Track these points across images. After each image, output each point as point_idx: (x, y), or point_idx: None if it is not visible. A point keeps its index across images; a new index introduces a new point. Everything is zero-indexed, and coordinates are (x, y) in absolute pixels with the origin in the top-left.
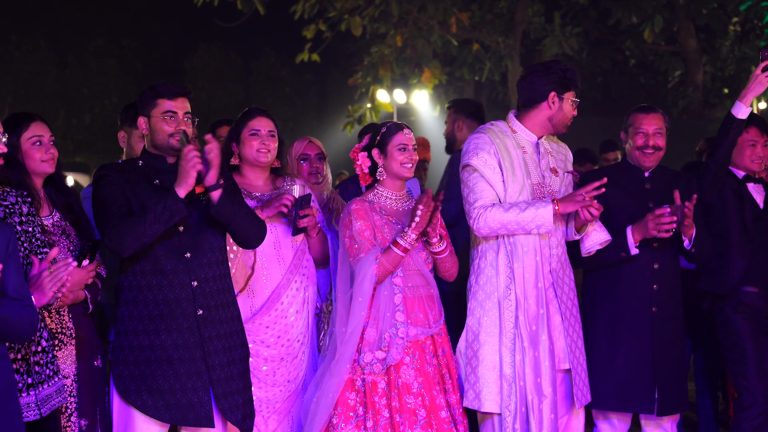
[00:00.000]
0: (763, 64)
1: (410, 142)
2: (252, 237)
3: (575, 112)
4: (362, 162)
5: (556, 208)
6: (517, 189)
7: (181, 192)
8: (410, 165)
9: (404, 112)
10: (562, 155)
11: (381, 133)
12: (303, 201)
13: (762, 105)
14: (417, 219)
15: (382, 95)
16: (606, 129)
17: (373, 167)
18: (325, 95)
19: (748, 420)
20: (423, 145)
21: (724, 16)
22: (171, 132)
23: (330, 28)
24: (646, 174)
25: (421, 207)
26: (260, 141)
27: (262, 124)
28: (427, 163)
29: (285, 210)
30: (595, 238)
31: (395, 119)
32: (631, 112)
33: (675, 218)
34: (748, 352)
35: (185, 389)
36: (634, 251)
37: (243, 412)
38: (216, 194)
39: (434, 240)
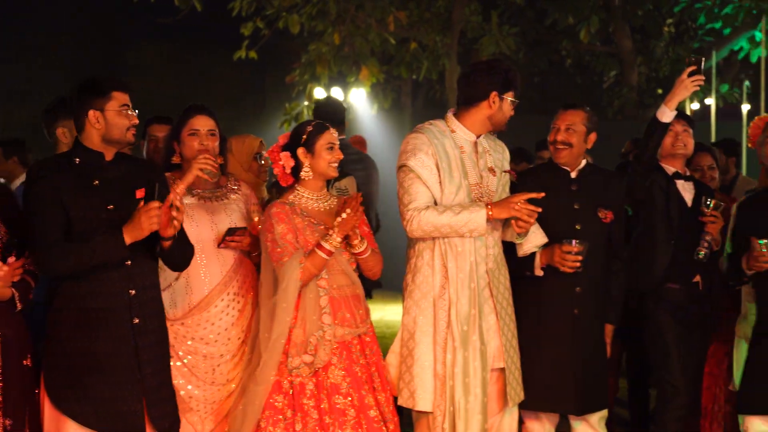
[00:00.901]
0: (689, 70)
1: (336, 141)
2: (182, 264)
3: (513, 112)
4: (285, 162)
5: (490, 213)
6: (453, 190)
7: (128, 240)
8: (336, 164)
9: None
10: (500, 154)
11: (308, 132)
12: (233, 231)
13: (695, 106)
14: (342, 222)
15: (319, 93)
16: (542, 128)
17: (297, 167)
18: (264, 93)
19: (671, 413)
20: (360, 143)
21: (659, 17)
22: (128, 126)
23: (268, 26)
24: (573, 175)
25: (347, 210)
26: (199, 141)
27: (202, 123)
28: None
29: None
30: (533, 240)
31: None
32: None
33: (580, 258)
34: (670, 346)
35: (117, 398)
36: (539, 273)
37: (170, 421)
38: (167, 243)
39: (355, 242)
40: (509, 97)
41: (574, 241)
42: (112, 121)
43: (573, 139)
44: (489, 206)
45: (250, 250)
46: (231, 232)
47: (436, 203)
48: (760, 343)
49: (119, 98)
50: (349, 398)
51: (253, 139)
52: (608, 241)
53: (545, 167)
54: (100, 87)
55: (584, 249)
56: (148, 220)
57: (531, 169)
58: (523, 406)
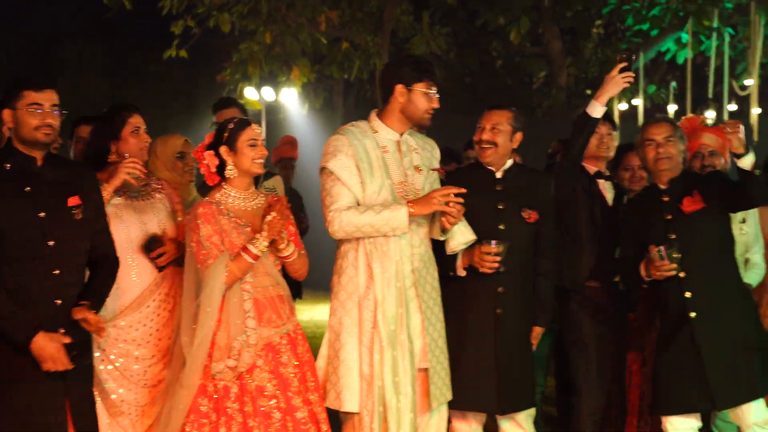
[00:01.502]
0: (619, 66)
1: (259, 137)
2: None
3: (434, 104)
4: (209, 161)
5: (411, 210)
6: (376, 189)
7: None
8: (261, 161)
9: (273, 109)
10: (429, 152)
11: (229, 130)
12: (151, 243)
13: (623, 106)
14: (269, 226)
15: (250, 93)
16: (472, 128)
17: (222, 166)
18: (194, 92)
19: (589, 413)
20: (291, 143)
21: (587, 19)
22: (36, 125)
23: (198, 24)
24: (498, 175)
25: (273, 214)
26: (141, 139)
27: (141, 121)
28: (294, 161)
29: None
30: (460, 238)
31: (263, 117)
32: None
33: (499, 258)
34: (589, 346)
35: (41, 409)
36: (461, 273)
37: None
38: None
39: (281, 246)
40: (421, 88)
41: (493, 242)
42: (21, 120)
43: (498, 138)
44: (410, 204)
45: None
46: (148, 248)
47: (359, 204)
48: (667, 347)
49: (30, 97)
50: (275, 400)
51: (176, 138)
52: (533, 241)
53: (471, 167)
54: (14, 85)
55: (504, 249)
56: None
57: (457, 169)
58: (450, 406)
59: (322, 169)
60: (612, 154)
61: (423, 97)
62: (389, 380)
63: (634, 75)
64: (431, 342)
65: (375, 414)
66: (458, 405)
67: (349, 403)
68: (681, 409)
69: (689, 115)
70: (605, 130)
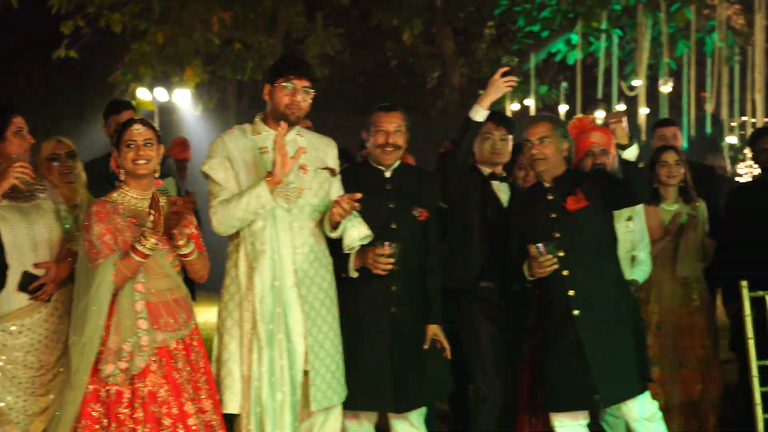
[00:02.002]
0: (501, 70)
1: (140, 137)
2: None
3: (295, 98)
4: (114, 160)
5: (268, 179)
6: None
7: None
8: (142, 162)
9: (166, 110)
10: (322, 151)
11: (119, 130)
12: (26, 282)
13: (515, 106)
14: (150, 224)
15: (143, 93)
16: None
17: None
18: (85, 93)
19: (486, 413)
20: (182, 144)
21: (480, 20)
22: None
23: (89, 24)
24: (388, 174)
25: (152, 212)
26: (24, 140)
27: (23, 122)
28: (186, 162)
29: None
30: (354, 234)
31: (157, 118)
32: (373, 111)
33: (392, 260)
34: (484, 346)
35: None
36: (353, 274)
37: None
38: None
39: (180, 242)
40: (280, 83)
41: (386, 243)
42: None
43: (400, 140)
44: (269, 176)
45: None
46: (24, 287)
47: None
48: (553, 345)
49: None
50: (166, 406)
51: (47, 142)
52: (424, 238)
53: (360, 167)
54: None
55: (396, 250)
56: None
57: (347, 169)
58: (345, 406)
59: (202, 172)
60: (506, 158)
61: (282, 92)
62: (266, 380)
63: (516, 79)
64: (314, 344)
65: (252, 415)
66: (354, 405)
67: (231, 404)
68: (567, 406)
69: (579, 115)
70: (498, 135)
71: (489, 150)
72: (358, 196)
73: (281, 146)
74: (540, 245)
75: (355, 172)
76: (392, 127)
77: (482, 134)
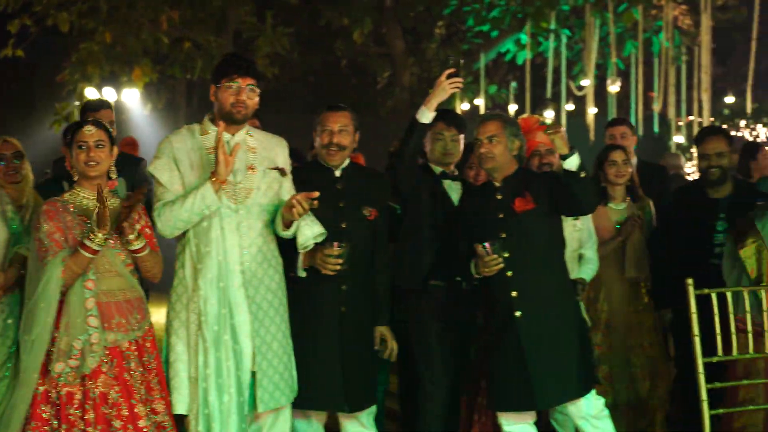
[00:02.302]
0: (447, 72)
1: (91, 139)
2: None
3: (240, 97)
4: (68, 161)
5: (213, 180)
6: None
7: None
8: (93, 163)
9: (115, 110)
10: (272, 151)
11: (71, 131)
12: None
13: (465, 106)
14: (95, 217)
15: (91, 93)
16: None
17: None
18: (33, 93)
19: (432, 411)
20: (130, 144)
21: (429, 19)
22: None
23: (36, 23)
24: (338, 174)
25: (98, 205)
26: None
27: None
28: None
29: None
30: (308, 232)
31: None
32: (320, 111)
33: (341, 261)
34: (432, 344)
35: None
36: (302, 274)
37: None
38: None
39: (130, 237)
40: (224, 83)
41: (335, 244)
42: None
43: (346, 140)
44: (214, 176)
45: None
46: None
47: None
48: (496, 346)
49: None
50: (116, 408)
51: None
52: (374, 238)
53: (311, 166)
54: None
55: (346, 251)
56: None
57: (297, 168)
58: (294, 405)
59: (149, 173)
60: (457, 158)
61: (226, 92)
62: (213, 382)
63: (462, 81)
64: (261, 345)
65: (200, 416)
66: (303, 404)
67: (180, 405)
68: (510, 406)
69: (525, 114)
70: (449, 136)
71: (440, 150)
72: (316, 194)
73: (221, 145)
74: (486, 244)
75: (306, 171)
76: (337, 126)
77: (434, 135)
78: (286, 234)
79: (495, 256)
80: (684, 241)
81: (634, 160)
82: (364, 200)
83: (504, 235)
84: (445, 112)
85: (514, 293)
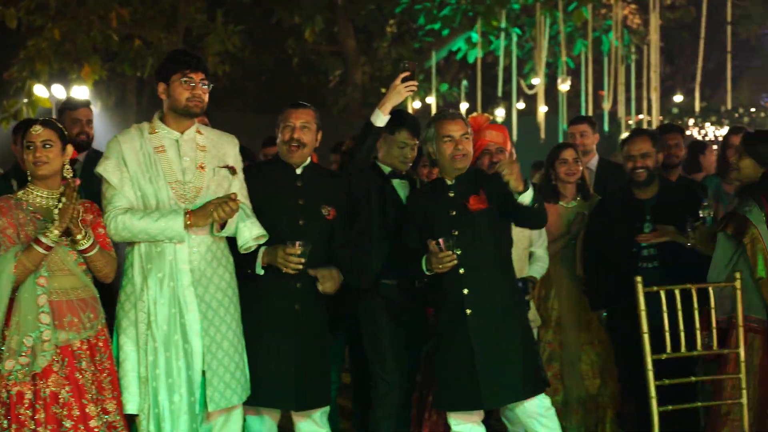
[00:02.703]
0: (402, 75)
1: (37, 139)
2: None
3: (196, 91)
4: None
5: (188, 222)
6: (151, 191)
7: None
8: (41, 163)
9: None
10: (221, 149)
11: (21, 130)
12: None
13: (416, 104)
14: (60, 213)
15: (40, 90)
16: (268, 126)
17: None
18: None
19: (384, 408)
20: None
21: (381, 18)
22: None
23: None
24: (298, 171)
25: (64, 200)
26: None
27: None
28: None
29: None
30: (247, 234)
31: (54, 115)
32: (284, 108)
33: (303, 260)
34: (385, 342)
35: None
36: (260, 272)
37: None
38: None
39: (78, 236)
40: (176, 79)
41: (297, 243)
42: None
43: (307, 137)
44: (188, 214)
45: None
46: None
47: (135, 207)
48: (446, 344)
49: None
50: (67, 408)
51: None
52: (330, 237)
53: (271, 163)
54: None
55: (307, 250)
56: None
57: (257, 164)
58: (247, 402)
59: (97, 173)
60: (413, 159)
61: (180, 87)
62: (162, 382)
63: (417, 84)
64: (211, 344)
65: (150, 416)
66: (256, 401)
67: (130, 405)
68: (457, 405)
69: (475, 113)
70: (412, 144)
71: (400, 157)
72: (235, 196)
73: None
74: (440, 240)
75: (267, 167)
76: (299, 123)
77: (396, 142)
78: (220, 234)
79: (449, 252)
80: (613, 243)
81: (594, 158)
82: (324, 199)
83: (456, 233)
84: (403, 117)
85: (465, 290)
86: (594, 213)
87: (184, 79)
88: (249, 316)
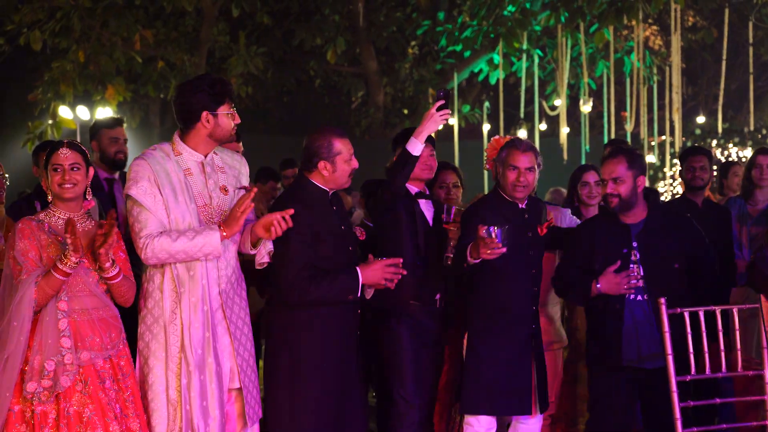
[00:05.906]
0: (438, 104)
1: (66, 161)
2: None
3: (236, 121)
4: (43, 182)
5: (224, 234)
6: (180, 215)
7: None
8: (68, 186)
9: (88, 129)
10: (236, 170)
11: (45, 152)
12: None
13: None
14: (69, 243)
15: (64, 111)
16: (291, 147)
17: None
18: (4, 111)
19: (404, 429)
20: None
21: (402, 39)
22: None
23: (8, 42)
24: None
25: (68, 235)
26: None
27: None
28: None
29: None
30: (263, 250)
31: (78, 136)
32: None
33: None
34: (406, 363)
35: None
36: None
37: None
38: None
39: (106, 265)
40: (223, 111)
41: (492, 228)
42: None
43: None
44: (222, 227)
45: None
46: None
47: (167, 229)
48: (477, 348)
49: None
50: (90, 427)
51: None
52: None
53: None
54: None
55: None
56: None
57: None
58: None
59: (126, 196)
60: (433, 173)
61: (227, 119)
62: (197, 405)
63: (450, 112)
64: (242, 362)
65: None
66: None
67: (159, 427)
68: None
69: (497, 136)
70: (427, 152)
71: (420, 168)
72: (291, 212)
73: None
74: (494, 228)
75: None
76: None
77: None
78: (253, 251)
79: (498, 242)
80: (602, 267)
81: None
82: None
83: (531, 253)
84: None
85: (534, 307)
86: (574, 237)
87: (230, 111)
88: None
